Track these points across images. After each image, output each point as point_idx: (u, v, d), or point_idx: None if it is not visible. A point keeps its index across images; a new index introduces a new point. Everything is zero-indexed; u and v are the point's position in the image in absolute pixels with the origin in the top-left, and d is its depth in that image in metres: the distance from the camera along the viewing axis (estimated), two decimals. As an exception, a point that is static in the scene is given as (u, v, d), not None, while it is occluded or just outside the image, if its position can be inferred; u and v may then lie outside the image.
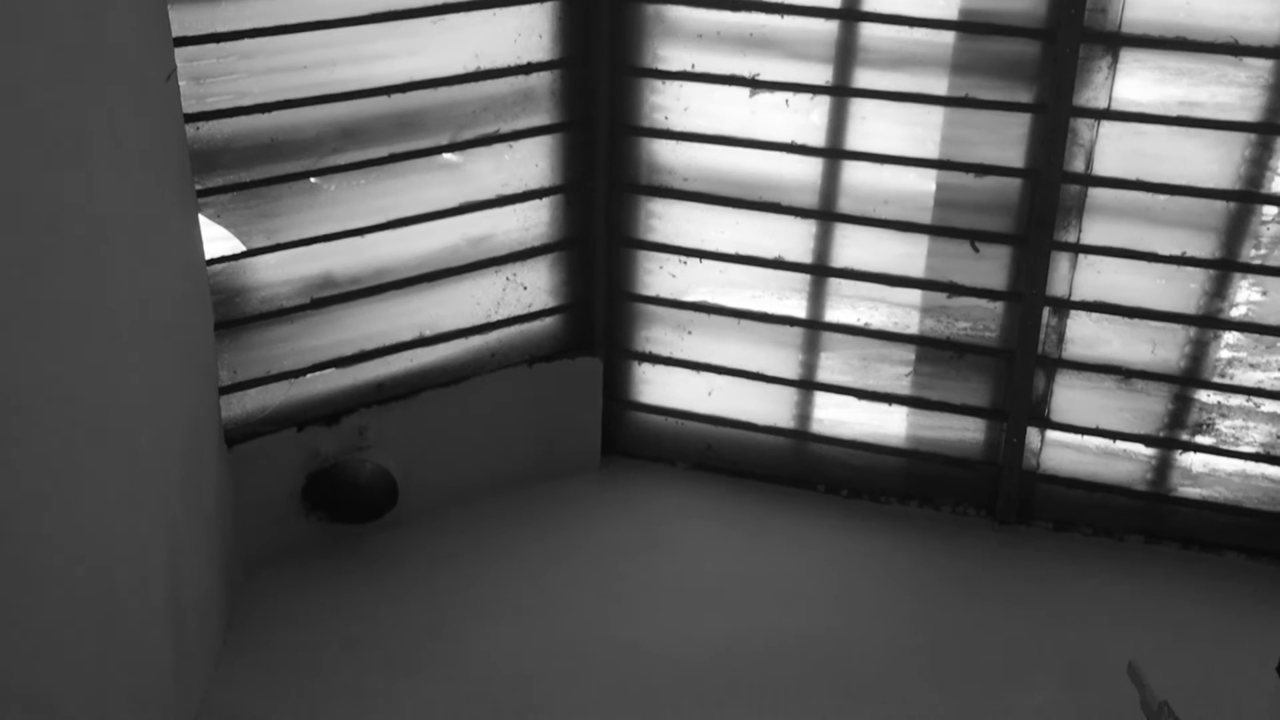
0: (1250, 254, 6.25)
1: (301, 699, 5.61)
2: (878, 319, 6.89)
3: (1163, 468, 6.76)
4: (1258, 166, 6.12)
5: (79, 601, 4.25)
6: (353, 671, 5.79)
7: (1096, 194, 6.36)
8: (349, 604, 6.20)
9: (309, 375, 6.43)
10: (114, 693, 4.57)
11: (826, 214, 6.76)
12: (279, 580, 6.30)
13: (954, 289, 6.71)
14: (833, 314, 6.97)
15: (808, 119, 6.60)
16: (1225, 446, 6.58)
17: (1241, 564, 6.68)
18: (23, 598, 3.81)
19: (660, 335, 7.29)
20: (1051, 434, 6.86)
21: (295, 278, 6.24)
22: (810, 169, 6.71)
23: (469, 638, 6.04)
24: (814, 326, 7.01)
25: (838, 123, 6.59)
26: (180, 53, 5.43)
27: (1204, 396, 6.54)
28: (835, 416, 7.18)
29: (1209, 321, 6.40)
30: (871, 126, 6.55)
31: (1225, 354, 6.45)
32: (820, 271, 6.88)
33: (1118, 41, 6.07)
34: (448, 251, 6.65)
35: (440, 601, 6.26)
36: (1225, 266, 6.29)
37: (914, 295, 6.80)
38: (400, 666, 5.84)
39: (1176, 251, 6.32)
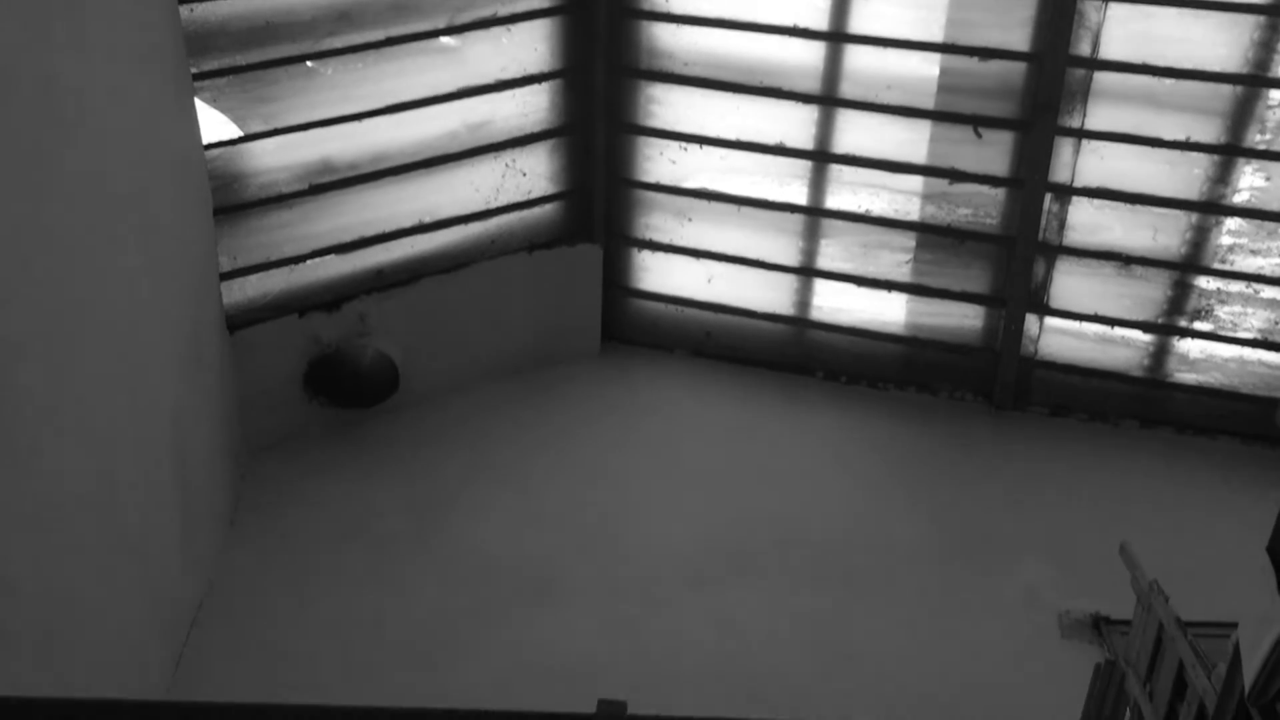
0: (1255, 139, 6.21)
1: (307, 579, 5.71)
2: (879, 205, 6.87)
3: (1160, 354, 6.80)
4: (1265, 50, 6.05)
5: (85, 488, 4.30)
6: (357, 552, 5.88)
7: (1102, 78, 6.29)
8: (352, 487, 6.28)
9: (309, 261, 6.42)
10: (122, 576, 4.65)
11: (828, 99, 6.70)
12: (283, 464, 6.37)
13: (956, 175, 6.67)
14: (834, 200, 6.94)
15: (810, 1, 6.50)
16: (1223, 332, 6.61)
17: (1235, 448, 6.75)
18: (29, 488, 3.86)
19: (660, 222, 7.27)
20: (1050, 320, 6.88)
21: (293, 163, 6.20)
22: (812, 53, 6.63)
23: (471, 520, 6.12)
24: (815, 213, 6.99)
25: (841, 5, 6.50)
26: (172, -68, 5.34)
27: (1203, 283, 6.55)
28: (835, 303, 7.19)
29: (1211, 207, 6.38)
30: (875, 9, 6.46)
31: (1226, 240, 6.44)
32: (821, 158, 6.84)
33: (1127, -79, 5.98)
34: (446, 137, 6.60)
35: (442, 485, 6.33)
36: (1230, 152, 6.25)
37: (915, 182, 6.77)
38: (404, 548, 5.92)
39: (1181, 137, 6.27)
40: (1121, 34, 6.17)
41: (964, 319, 7.01)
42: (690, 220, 7.17)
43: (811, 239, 7.06)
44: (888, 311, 7.13)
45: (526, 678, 5.15)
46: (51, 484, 4.02)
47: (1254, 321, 6.54)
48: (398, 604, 5.60)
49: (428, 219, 6.70)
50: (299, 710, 1.93)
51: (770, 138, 6.84)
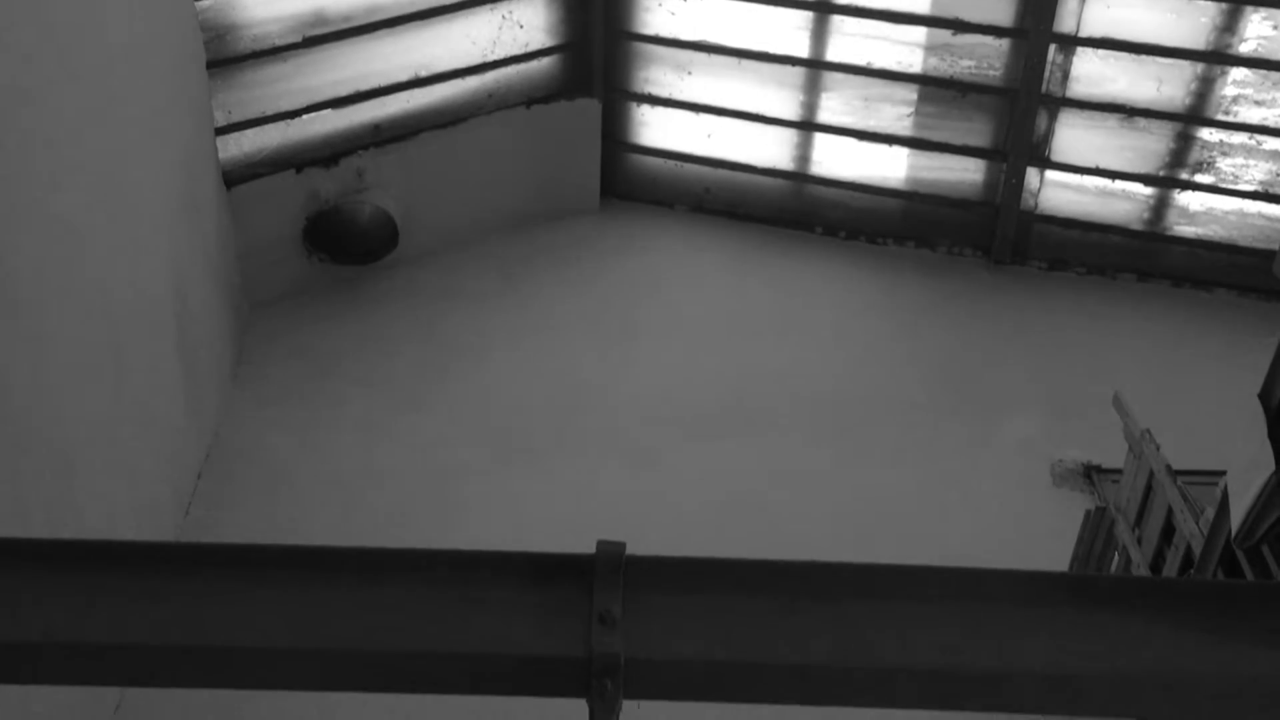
0: (1264, -14, 6.11)
1: (309, 432, 5.78)
2: (880, 58, 6.77)
3: (1160, 207, 6.78)
4: (1277, -106, 5.91)
5: (87, 340, 4.33)
6: (359, 406, 5.95)
7: (1109, -77, 6.16)
8: (353, 342, 6.32)
9: (305, 116, 6.36)
10: (129, 429, 4.71)
11: (830, -53, 6.57)
12: (285, 320, 6.40)
13: (959, 26, 6.57)
14: (835, 53, 6.84)
15: None
16: (1225, 185, 6.58)
17: (1231, 300, 6.78)
18: (33, 345, 3.88)
19: (659, 76, 7.18)
20: (1051, 174, 6.85)
21: (286, 15, 6.10)
22: (814, -102, 6.49)
23: (470, 374, 6.18)
24: (816, 66, 6.90)
25: None
26: None
27: (1206, 135, 6.50)
28: (835, 158, 7.14)
29: (1217, 57, 6.30)
30: None
31: (1231, 91, 6.37)
32: (823, 8, 6.72)
33: None
34: (441, -13, 6.49)
35: (442, 339, 6.38)
36: None
37: (918, 33, 6.67)
38: (404, 401, 5.99)
39: (1188, -16, 6.18)
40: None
41: (964, 173, 6.98)
42: (690, 73, 7.09)
43: (812, 92, 6.98)
44: (888, 166, 7.09)
45: (526, 528, 5.25)
46: (55, 338, 4.04)
47: (1255, 174, 6.51)
48: (399, 456, 5.68)
49: (424, 73, 6.61)
50: (307, 552, 1.98)
51: (771, -13, 6.73)
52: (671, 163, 7.38)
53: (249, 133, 6.20)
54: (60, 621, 1.85)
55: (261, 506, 5.35)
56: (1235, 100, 6.37)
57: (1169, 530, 4.25)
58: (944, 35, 6.61)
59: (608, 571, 1.94)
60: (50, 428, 3.98)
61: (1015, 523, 5.41)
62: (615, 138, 7.35)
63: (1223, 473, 3.79)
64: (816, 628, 1.92)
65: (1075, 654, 1.88)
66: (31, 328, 3.85)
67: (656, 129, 7.33)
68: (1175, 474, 4.25)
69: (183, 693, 4.48)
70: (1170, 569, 4.14)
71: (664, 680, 1.89)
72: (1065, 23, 6.39)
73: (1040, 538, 5.10)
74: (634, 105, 7.28)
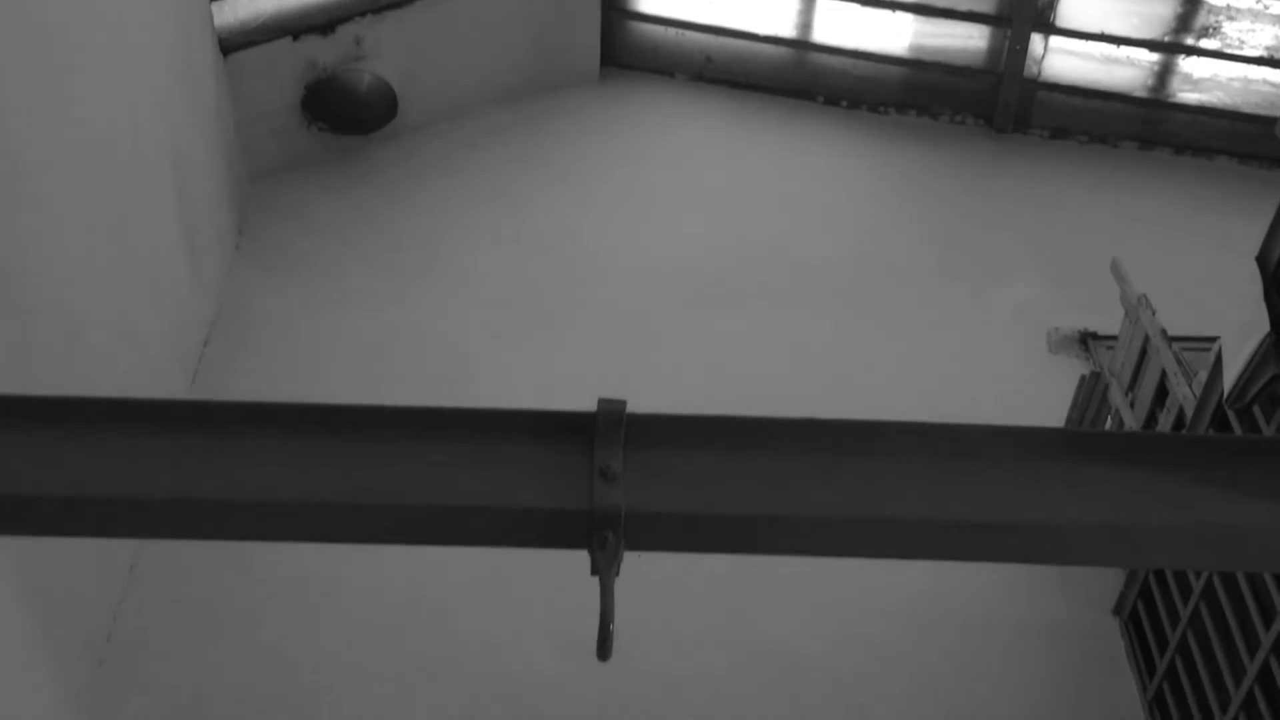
0: None
1: (313, 300, 5.82)
2: (884, -80, 6.66)
3: (1164, 73, 6.72)
4: None
5: (89, 202, 4.34)
6: (361, 274, 5.97)
7: None
8: (353, 211, 6.31)
9: (300, -18, 6.27)
10: (134, 296, 4.74)
11: None
12: (285, 189, 6.39)
13: (964, -113, 6.45)
14: (838, -85, 6.72)
15: None
16: (1230, 50, 6.51)
17: (1232, 168, 6.75)
18: (36, 205, 3.89)
19: (660, -60, 7.06)
20: (1055, 40, 6.76)
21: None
22: None
23: (471, 243, 6.19)
24: (818, -71, 6.78)
25: None
26: None
27: (1214, -1, 6.44)
28: (837, 25, 7.05)
29: (1226, -81, 6.20)
30: None
31: (1238, -48, 6.28)
32: None
33: None
34: None
35: (442, 209, 6.37)
36: None
37: (923, -106, 6.55)
38: (405, 270, 6.01)
39: None
40: None
41: (968, 40, 6.90)
42: (690, -63, 6.96)
43: (815, -43, 6.87)
44: (891, 33, 7.01)
45: (527, 392, 5.30)
46: (56, 199, 4.05)
47: (1261, 39, 6.44)
48: (401, 324, 5.72)
49: (420, -63, 6.50)
50: (316, 409, 2.02)
51: None
52: (672, 30, 7.28)
53: (243, -1, 6.12)
54: (72, 475, 1.90)
55: (267, 374, 5.41)
56: (1243, -38, 6.29)
57: (1162, 394, 4.31)
58: (949, -103, 6.48)
59: (609, 428, 1.99)
60: (57, 291, 4.01)
61: (1010, 389, 5.47)
62: (615, 5, 7.24)
63: (1217, 338, 3.83)
64: (813, 482, 1.98)
65: (1067, 506, 1.94)
66: (33, 190, 3.85)
67: (657, -5, 7.23)
68: (1170, 339, 4.29)
69: (194, 557, 4.61)
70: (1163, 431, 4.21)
71: (664, 532, 1.95)
72: (1074, -118, 6.26)
73: (1035, 404, 5.17)
74: (634, -30, 7.17)
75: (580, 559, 1.93)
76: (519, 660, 4.41)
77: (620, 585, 1.91)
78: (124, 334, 4.60)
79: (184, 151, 5.30)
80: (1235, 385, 3.50)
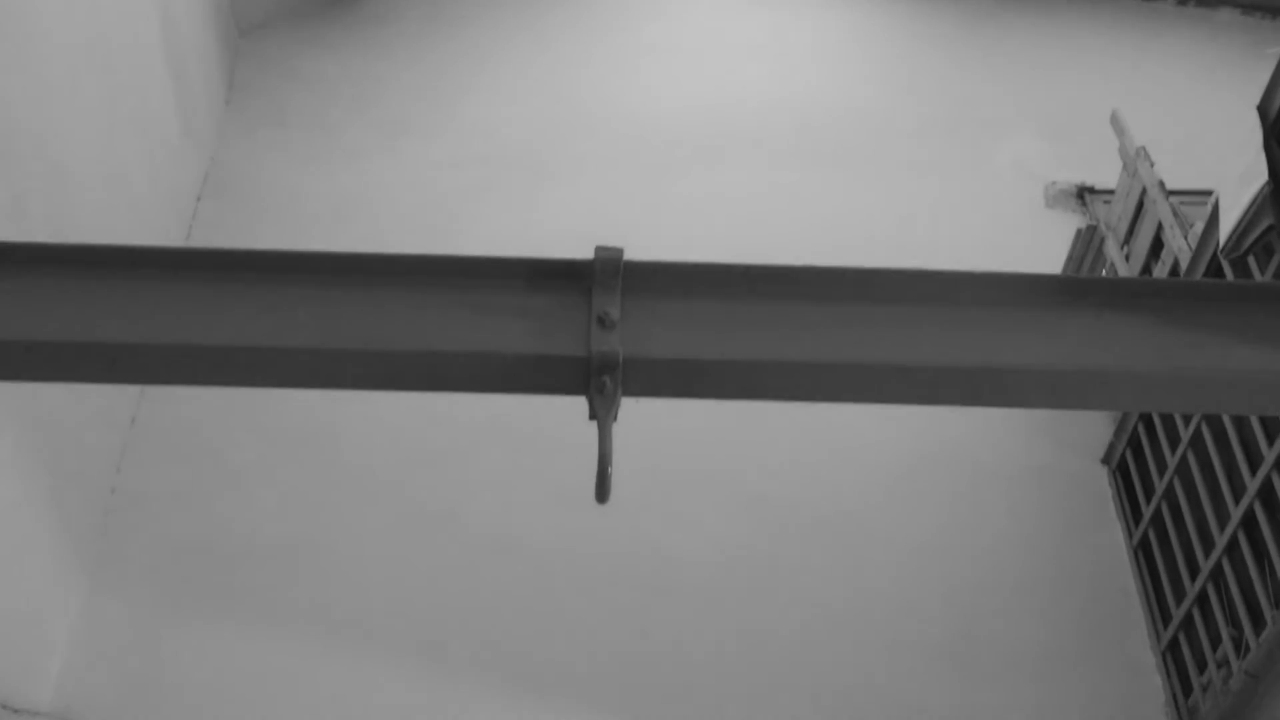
0: None
1: (307, 155, 5.76)
2: None
3: (1171, -80, 6.58)
4: None
5: (76, 42, 4.26)
6: (355, 128, 5.91)
7: None
8: (347, 65, 6.22)
9: None
10: (127, 153, 4.69)
11: None
12: (276, 43, 6.28)
13: None
14: None
15: None
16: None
17: (1236, 20, 6.65)
18: (24, 46, 3.83)
19: None
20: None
21: None
22: None
23: (467, 96, 6.11)
24: None
25: None
26: None
27: None
28: None
29: None
30: None
31: None
32: None
33: None
34: None
35: (438, 62, 6.27)
36: None
37: None
38: (400, 123, 5.94)
39: None
40: None
41: (972, -116, 6.73)
42: None
43: None
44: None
45: (524, 243, 5.28)
46: (43, 39, 3.98)
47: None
48: (398, 177, 5.68)
49: None
50: (312, 257, 2.02)
51: None
52: (668, -126, 7.09)
53: None
54: (69, 321, 1.90)
55: (262, 228, 5.38)
56: None
57: (1157, 246, 4.31)
58: None
59: (606, 275, 1.99)
60: (46, 132, 3.96)
61: (1007, 242, 5.47)
62: None
63: (1214, 191, 3.81)
64: (810, 327, 1.99)
65: (1061, 349, 1.95)
66: (20, 28, 3.78)
67: None
68: (1168, 192, 4.28)
69: (196, 409, 4.65)
70: (1156, 284, 4.21)
71: (661, 378, 1.96)
72: None
73: (1031, 257, 5.17)
74: None
75: (579, 404, 1.95)
76: (518, 507, 4.48)
77: (617, 430, 1.94)
78: (117, 183, 4.56)
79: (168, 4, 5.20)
80: (1231, 235, 3.49)
